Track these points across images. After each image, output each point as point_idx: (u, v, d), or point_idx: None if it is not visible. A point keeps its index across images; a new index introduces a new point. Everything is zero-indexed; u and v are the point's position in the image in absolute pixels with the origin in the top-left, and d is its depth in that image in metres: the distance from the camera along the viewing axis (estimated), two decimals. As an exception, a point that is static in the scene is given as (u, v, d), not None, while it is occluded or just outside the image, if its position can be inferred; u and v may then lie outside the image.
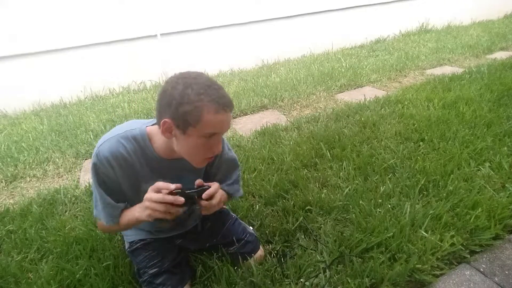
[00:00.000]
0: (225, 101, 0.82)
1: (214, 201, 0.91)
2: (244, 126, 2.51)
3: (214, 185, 0.91)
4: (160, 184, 0.86)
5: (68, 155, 2.19)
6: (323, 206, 1.49)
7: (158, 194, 0.85)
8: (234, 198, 1.23)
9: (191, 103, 0.79)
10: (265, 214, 1.48)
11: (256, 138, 2.22)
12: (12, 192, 1.90)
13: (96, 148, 0.90)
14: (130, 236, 1.18)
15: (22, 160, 2.13)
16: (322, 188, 1.64)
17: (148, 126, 0.95)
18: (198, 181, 0.92)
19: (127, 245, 1.19)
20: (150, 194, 0.86)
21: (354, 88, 3.15)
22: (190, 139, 0.85)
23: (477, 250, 1.25)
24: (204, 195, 0.89)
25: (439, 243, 1.24)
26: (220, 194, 0.95)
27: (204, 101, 0.80)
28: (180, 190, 0.86)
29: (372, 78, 3.30)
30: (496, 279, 1.15)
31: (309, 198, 1.53)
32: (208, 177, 1.10)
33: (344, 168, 1.77)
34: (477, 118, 2.16)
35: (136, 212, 0.93)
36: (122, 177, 0.93)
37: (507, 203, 1.41)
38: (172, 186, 0.86)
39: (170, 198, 0.84)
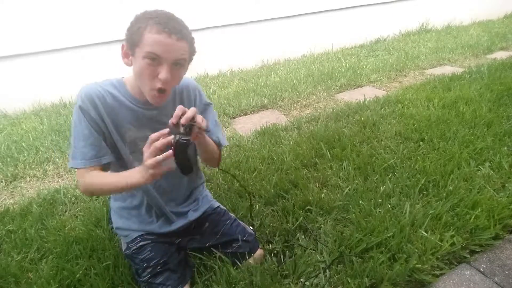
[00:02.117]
0: (171, 26, 0.86)
1: (198, 119, 0.87)
2: (244, 126, 2.51)
3: (190, 110, 0.86)
4: (152, 135, 0.83)
5: (68, 155, 2.19)
6: (323, 206, 1.49)
7: (156, 158, 0.81)
8: (221, 148, 1.18)
9: (138, 23, 0.87)
10: (265, 214, 1.48)
11: (256, 138, 2.22)
12: (12, 192, 1.90)
13: (78, 94, 0.95)
14: (127, 231, 1.17)
15: (22, 160, 2.13)
16: (322, 188, 1.64)
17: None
18: (173, 120, 0.86)
19: (124, 246, 1.19)
20: (151, 161, 0.82)
21: (354, 88, 3.14)
22: (137, 62, 0.89)
23: (477, 250, 1.26)
24: (182, 120, 0.84)
25: (439, 243, 1.24)
26: (199, 116, 0.89)
27: (149, 22, 0.85)
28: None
29: (372, 78, 3.30)
30: (496, 279, 1.15)
31: (309, 198, 1.53)
32: None
33: (344, 168, 1.77)
34: (477, 118, 2.16)
35: (133, 178, 0.89)
36: (106, 119, 0.97)
37: (507, 203, 1.41)
38: (164, 131, 0.83)
39: (167, 154, 0.81)
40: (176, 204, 1.20)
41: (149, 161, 0.82)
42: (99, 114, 0.96)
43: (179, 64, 0.92)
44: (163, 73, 0.88)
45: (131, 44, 0.89)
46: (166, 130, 0.83)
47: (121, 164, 1.05)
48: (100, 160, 0.98)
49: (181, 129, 0.85)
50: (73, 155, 0.97)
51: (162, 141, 0.82)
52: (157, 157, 0.82)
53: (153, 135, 0.83)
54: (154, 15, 0.87)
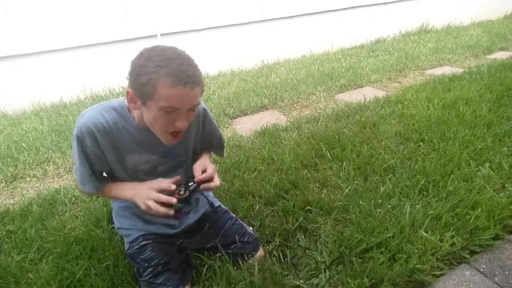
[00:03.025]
0: (185, 75, 0.81)
1: (213, 184, 1.01)
2: (244, 126, 2.51)
3: (209, 170, 1.01)
4: (162, 184, 0.92)
5: (68, 155, 2.19)
6: (323, 206, 1.49)
7: (160, 195, 0.90)
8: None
9: (147, 74, 0.80)
10: (265, 214, 1.48)
11: (256, 138, 2.22)
12: (12, 192, 1.90)
13: (77, 121, 0.93)
14: (129, 230, 1.17)
15: (22, 160, 2.13)
16: (322, 188, 1.64)
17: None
18: (196, 177, 1.01)
19: (126, 246, 1.19)
20: (154, 195, 0.92)
21: (354, 88, 3.15)
22: (150, 112, 0.87)
23: (477, 250, 1.26)
24: (202, 187, 0.99)
25: (439, 243, 1.24)
26: (213, 170, 1.04)
27: (160, 73, 0.80)
28: (181, 187, 0.96)
29: (372, 78, 3.30)
30: (496, 279, 1.15)
31: (309, 198, 1.53)
32: (195, 149, 1.16)
33: (344, 168, 1.77)
34: (477, 119, 2.16)
35: (128, 193, 0.99)
36: (105, 147, 0.96)
37: (507, 203, 1.41)
38: (173, 186, 0.93)
39: (169, 199, 0.92)
40: None
41: (150, 203, 0.92)
42: (97, 144, 0.95)
43: (194, 110, 0.91)
44: (180, 122, 0.87)
45: (142, 95, 0.84)
46: (174, 187, 0.95)
47: (114, 180, 1.09)
48: (100, 189, 1.04)
49: (190, 184, 0.98)
50: (81, 180, 1.00)
51: (168, 199, 0.93)
52: (157, 206, 0.92)
53: (163, 184, 0.95)
54: (163, 62, 0.79)
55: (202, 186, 0.99)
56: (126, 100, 0.90)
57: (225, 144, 1.28)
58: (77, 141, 0.93)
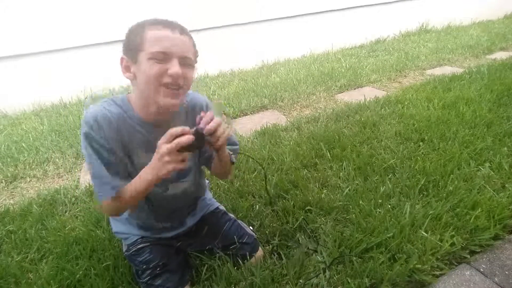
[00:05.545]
0: (170, 23, 0.84)
1: (219, 132, 0.86)
2: (244, 126, 2.51)
3: (214, 120, 0.85)
4: (172, 130, 0.80)
5: (68, 155, 2.19)
6: (323, 206, 1.49)
7: (173, 143, 0.79)
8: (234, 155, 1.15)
9: (136, 31, 0.84)
10: (265, 214, 1.48)
11: (256, 138, 2.22)
12: (12, 192, 1.90)
13: (82, 120, 0.88)
14: (125, 234, 1.17)
15: (22, 160, 2.13)
16: (322, 188, 1.64)
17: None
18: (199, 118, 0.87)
19: (124, 248, 1.18)
20: (167, 146, 0.79)
21: (354, 88, 3.15)
22: (141, 68, 0.83)
23: (477, 250, 1.26)
24: (206, 130, 0.84)
25: (439, 243, 1.24)
26: (221, 125, 0.88)
27: (146, 24, 0.84)
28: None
29: (372, 78, 3.30)
30: (496, 279, 1.15)
31: (309, 198, 1.53)
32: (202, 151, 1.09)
33: (344, 168, 1.77)
34: (477, 118, 2.16)
35: (148, 174, 0.85)
36: (113, 140, 0.90)
37: (507, 203, 1.41)
38: (186, 128, 0.81)
39: (185, 139, 0.78)
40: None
41: (163, 146, 0.78)
42: (106, 138, 0.88)
43: (187, 64, 0.87)
44: (173, 68, 0.82)
45: (132, 50, 0.84)
46: (187, 128, 0.81)
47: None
48: (118, 189, 0.90)
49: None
50: (95, 184, 0.91)
51: (187, 138, 0.79)
52: (173, 143, 0.78)
53: (173, 130, 0.79)
54: (149, 20, 0.85)
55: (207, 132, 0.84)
56: (122, 71, 0.89)
57: (237, 141, 1.15)
58: (86, 139, 0.87)
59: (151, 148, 0.90)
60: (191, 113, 1.02)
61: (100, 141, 0.87)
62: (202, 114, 0.87)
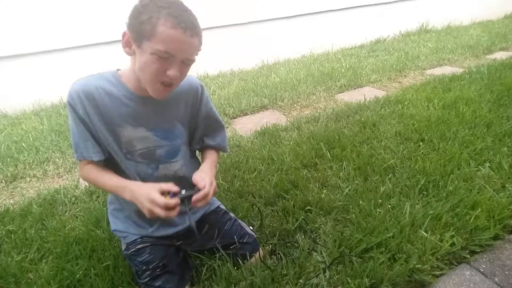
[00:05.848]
0: (185, 20, 0.80)
1: (204, 201, 0.94)
2: (244, 126, 2.51)
3: (206, 187, 0.93)
4: (163, 186, 0.89)
5: (68, 155, 2.19)
6: (323, 206, 1.49)
7: (162, 198, 0.87)
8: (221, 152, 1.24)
9: (149, 13, 0.80)
10: (265, 214, 1.48)
11: (256, 138, 2.22)
12: (12, 192, 1.90)
13: (69, 89, 0.92)
14: (124, 233, 1.16)
15: (22, 160, 2.13)
16: (322, 188, 1.64)
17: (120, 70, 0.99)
18: (194, 179, 0.96)
19: (124, 246, 1.18)
20: (155, 196, 0.87)
21: (354, 88, 3.15)
22: (143, 55, 0.84)
23: (477, 250, 1.26)
24: (193, 199, 0.92)
25: (439, 243, 1.24)
26: (212, 189, 0.96)
27: (162, 13, 0.79)
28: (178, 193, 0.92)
29: (372, 78, 3.30)
30: (496, 279, 1.15)
31: (309, 198, 1.53)
32: (191, 131, 1.12)
33: (344, 168, 1.77)
34: (477, 118, 2.16)
35: (126, 193, 0.94)
36: (95, 116, 0.93)
37: (507, 203, 1.41)
38: (174, 188, 0.90)
39: (173, 202, 0.87)
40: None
41: (155, 198, 0.86)
42: (87, 113, 0.92)
43: (187, 63, 0.88)
44: (173, 71, 0.84)
45: (139, 35, 0.82)
46: (175, 188, 0.91)
47: (113, 163, 1.02)
48: (90, 157, 0.97)
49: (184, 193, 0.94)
50: (74, 147, 0.99)
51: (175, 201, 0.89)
52: (161, 199, 0.87)
53: (164, 187, 0.89)
54: (166, 3, 0.80)
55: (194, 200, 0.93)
56: (122, 44, 0.88)
57: (225, 128, 1.20)
58: (69, 107, 0.93)
59: (140, 121, 0.97)
60: (184, 96, 1.04)
61: (79, 113, 0.92)
62: (195, 180, 0.95)
